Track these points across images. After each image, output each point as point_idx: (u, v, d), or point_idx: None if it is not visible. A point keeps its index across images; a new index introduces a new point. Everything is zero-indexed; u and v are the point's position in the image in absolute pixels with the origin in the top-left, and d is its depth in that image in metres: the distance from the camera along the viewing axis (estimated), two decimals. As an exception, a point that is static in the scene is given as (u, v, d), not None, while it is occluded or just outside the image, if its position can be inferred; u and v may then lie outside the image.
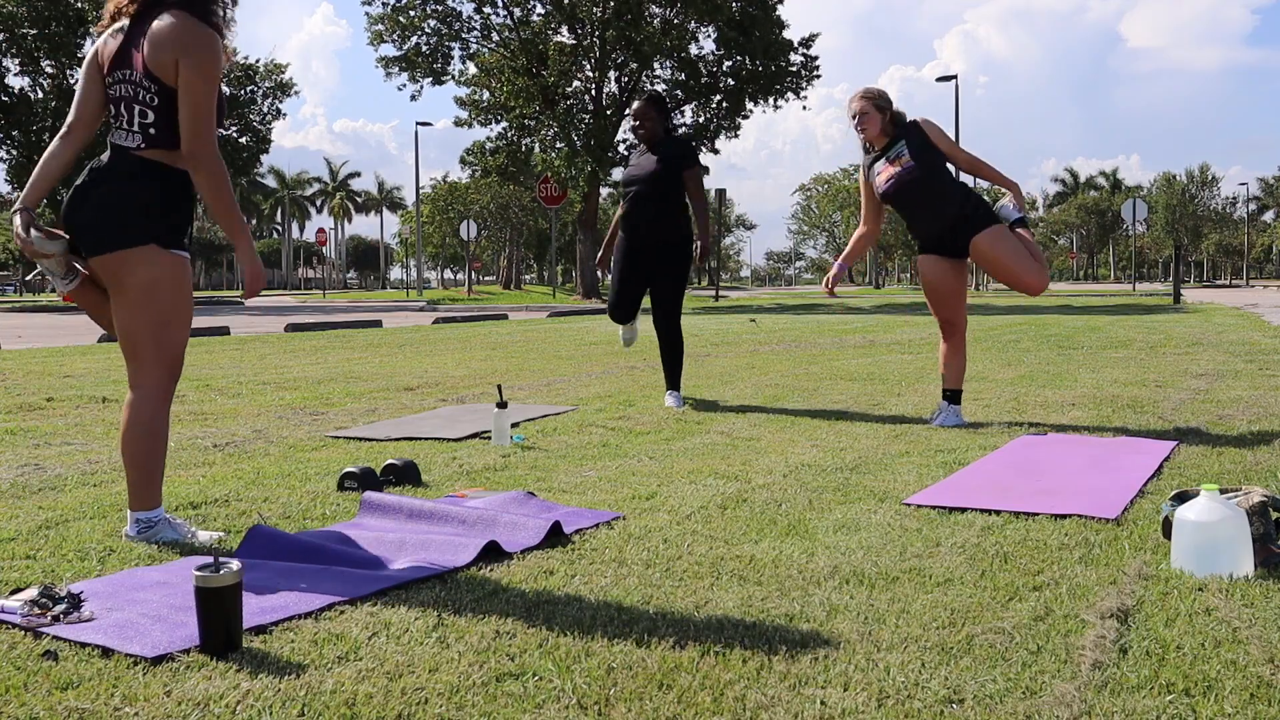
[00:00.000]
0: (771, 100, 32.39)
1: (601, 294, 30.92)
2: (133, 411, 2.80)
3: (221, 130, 2.91)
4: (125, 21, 2.78)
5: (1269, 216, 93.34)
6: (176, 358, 2.83)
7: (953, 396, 4.93)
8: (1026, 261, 4.69)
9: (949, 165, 4.80)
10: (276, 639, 2.04)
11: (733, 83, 32.17)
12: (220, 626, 1.96)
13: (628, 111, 5.79)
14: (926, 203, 4.77)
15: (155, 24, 2.71)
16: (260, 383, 7.09)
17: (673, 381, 5.68)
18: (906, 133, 4.79)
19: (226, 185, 2.74)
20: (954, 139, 4.91)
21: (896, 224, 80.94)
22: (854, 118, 4.84)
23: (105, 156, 2.79)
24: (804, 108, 36.57)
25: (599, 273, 6.09)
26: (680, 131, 32.90)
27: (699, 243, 5.72)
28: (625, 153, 32.64)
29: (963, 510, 3.07)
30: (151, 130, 2.73)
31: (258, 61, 35.43)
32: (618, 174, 35.06)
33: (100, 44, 2.82)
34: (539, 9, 31.98)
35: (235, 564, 1.99)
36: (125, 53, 2.76)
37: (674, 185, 5.54)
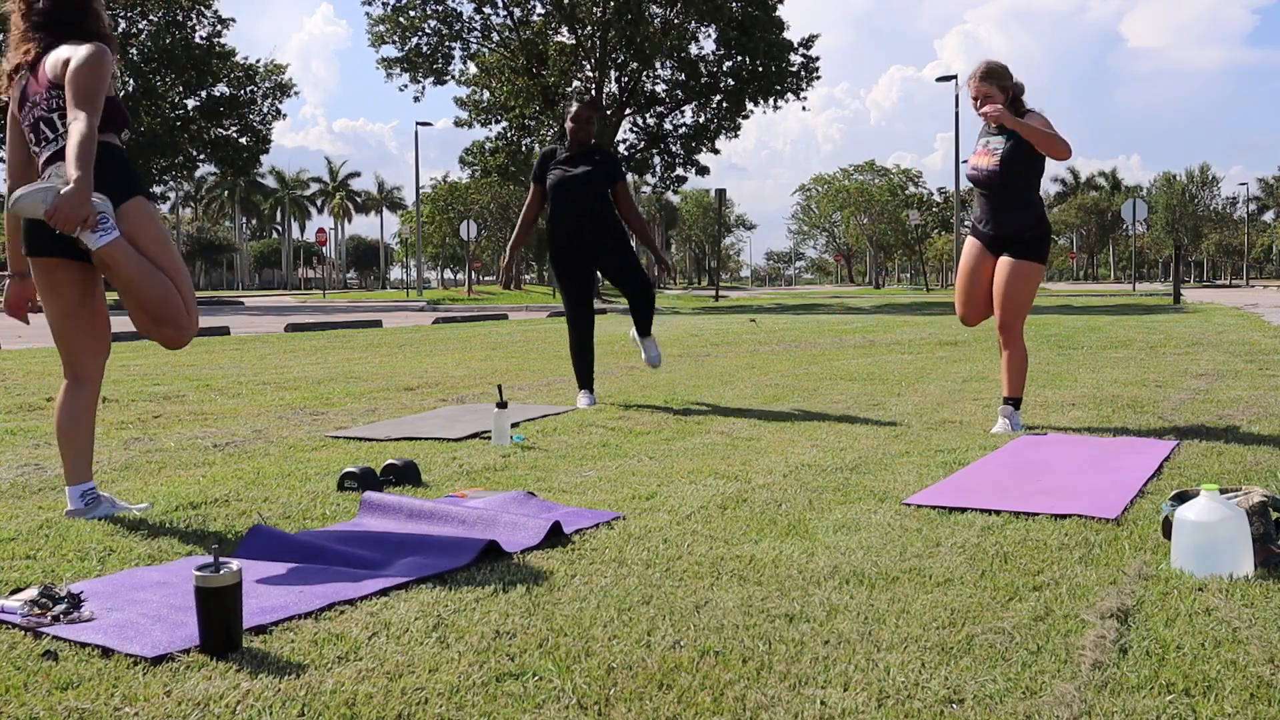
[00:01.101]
0: (772, 101, 32.38)
1: (603, 295, 30.90)
2: (187, 335, 3.04)
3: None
4: (25, 72, 3.03)
5: (1269, 216, 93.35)
6: None
7: (1014, 403, 4.81)
8: (1022, 312, 4.73)
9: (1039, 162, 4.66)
10: (276, 639, 2.04)
11: (733, 83, 32.15)
12: (220, 626, 1.96)
13: (569, 109, 5.77)
14: (998, 204, 4.69)
15: (49, 57, 2.97)
16: (260, 383, 7.09)
17: (644, 328, 5.87)
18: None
19: (92, 142, 2.81)
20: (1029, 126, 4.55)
21: (895, 224, 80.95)
22: (976, 99, 4.61)
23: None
24: (804, 109, 36.55)
25: (510, 263, 6.24)
26: (682, 130, 32.93)
27: (658, 261, 6.00)
28: (625, 152, 32.60)
29: (963, 510, 3.07)
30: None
31: (258, 62, 35.41)
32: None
33: (11, 104, 3.08)
34: (539, 9, 31.96)
35: (235, 564, 1.99)
36: (25, 90, 3.01)
37: (607, 192, 5.74)
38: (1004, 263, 4.70)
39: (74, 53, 2.90)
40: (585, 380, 5.81)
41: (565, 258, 5.76)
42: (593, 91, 31.19)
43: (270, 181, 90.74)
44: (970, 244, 4.88)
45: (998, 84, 4.59)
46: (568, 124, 5.72)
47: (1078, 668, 1.85)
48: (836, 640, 2.00)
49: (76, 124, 2.81)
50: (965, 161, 4.84)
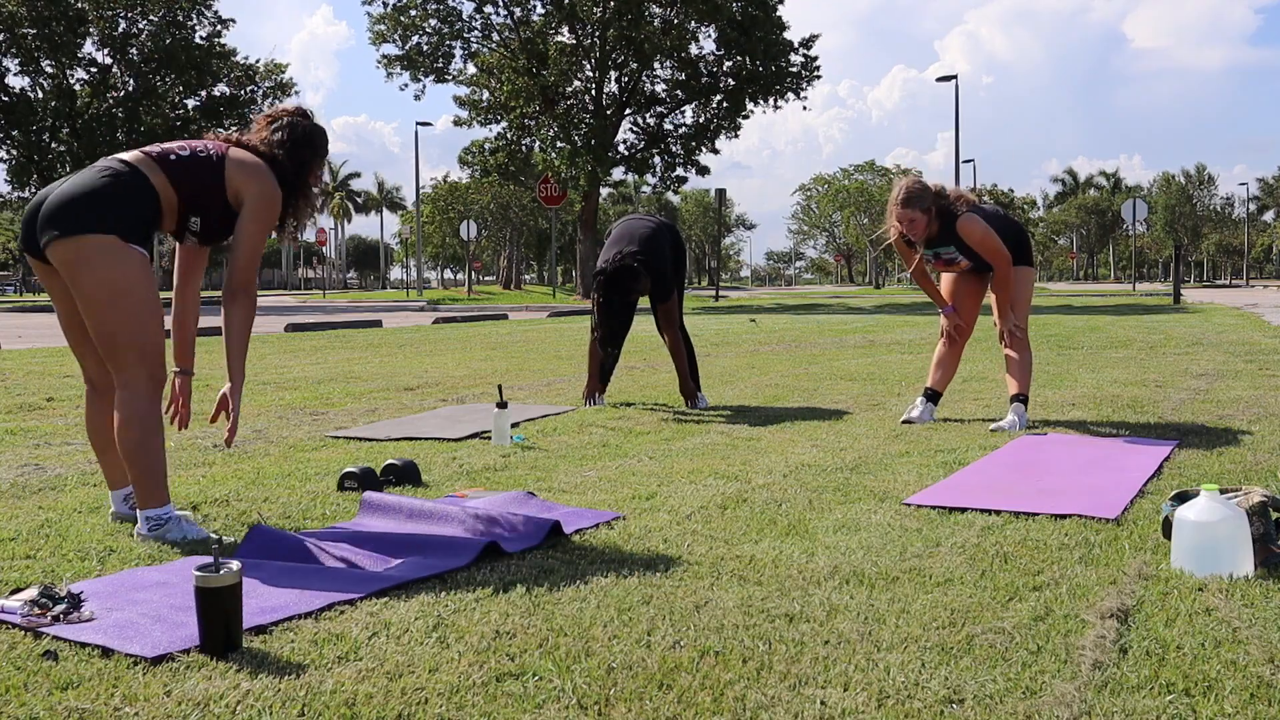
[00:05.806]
0: (771, 101, 32.37)
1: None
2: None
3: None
4: None
5: (1269, 216, 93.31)
6: None
7: (933, 397, 4.98)
8: (1027, 314, 4.87)
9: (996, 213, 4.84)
10: (276, 639, 2.04)
11: (733, 83, 32.14)
12: (220, 626, 1.95)
13: None
14: (981, 277, 4.95)
15: None
16: (260, 383, 7.09)
17: (697, 382, 5.79)
18: (954, 235, 4.67)
19: None
20: (981, 211, 4.71)
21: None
22: (900, 223, 4.64)
23: None
24: (804, 108, 36.56)
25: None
26: (682, 130, 32.93)
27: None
28: (625, 152, 32.59)
29: (963, 510, 3.07)
30: None
31: (258, 62, 35.43)
32: (617, 174, 35.03)
33: None
34: (539, 8, 31.98)
35: (235, 564, 1.99)
36: None
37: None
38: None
39: None
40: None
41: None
42: (592, 91, 31.19)
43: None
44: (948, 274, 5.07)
45: (920, 207, 4.62)
46: None
47: (1078, 668, 1.85)
48: (836, 640, 2.00)
49: None
50: (930, 261, 4.91)
